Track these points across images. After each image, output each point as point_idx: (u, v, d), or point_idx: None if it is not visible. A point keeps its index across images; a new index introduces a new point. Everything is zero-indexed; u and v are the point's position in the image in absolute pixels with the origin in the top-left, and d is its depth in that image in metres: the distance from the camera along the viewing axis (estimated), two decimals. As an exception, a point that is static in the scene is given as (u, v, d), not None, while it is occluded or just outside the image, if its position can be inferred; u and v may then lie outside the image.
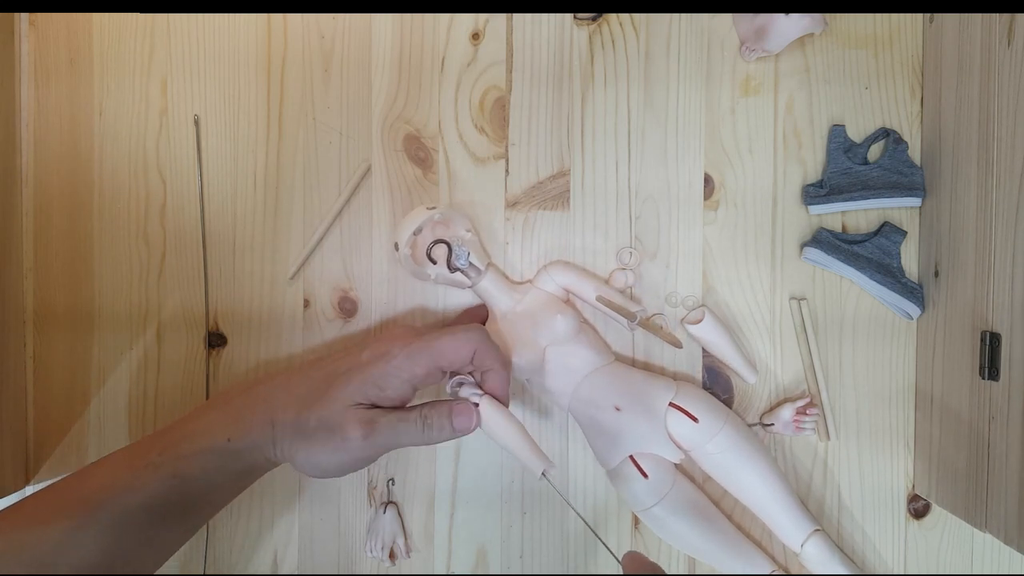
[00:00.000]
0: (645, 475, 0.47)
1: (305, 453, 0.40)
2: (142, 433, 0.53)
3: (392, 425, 0.40)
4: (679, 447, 0.48)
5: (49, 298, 0.53)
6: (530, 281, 0.52)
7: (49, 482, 0.52)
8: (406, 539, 0.53)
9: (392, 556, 0.53)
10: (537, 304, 0.49)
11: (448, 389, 0.45)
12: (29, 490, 0.52)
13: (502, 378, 0.43)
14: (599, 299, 0.49)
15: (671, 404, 0.48)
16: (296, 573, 0.53)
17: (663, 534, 0.49)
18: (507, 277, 0.52)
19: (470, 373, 0.44)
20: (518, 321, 0.49)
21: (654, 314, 0.52)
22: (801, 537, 0.48)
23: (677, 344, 0.52)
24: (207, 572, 0.53)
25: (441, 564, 0.54)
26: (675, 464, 0.49)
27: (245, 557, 0.53)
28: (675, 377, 0.52)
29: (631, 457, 0.48)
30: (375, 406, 0.40)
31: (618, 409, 0.48)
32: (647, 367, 0.53)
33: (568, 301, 0.51)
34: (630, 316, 0.49)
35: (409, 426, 0.40)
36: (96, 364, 0.53)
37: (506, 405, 0.43)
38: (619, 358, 0.52)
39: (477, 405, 0.43)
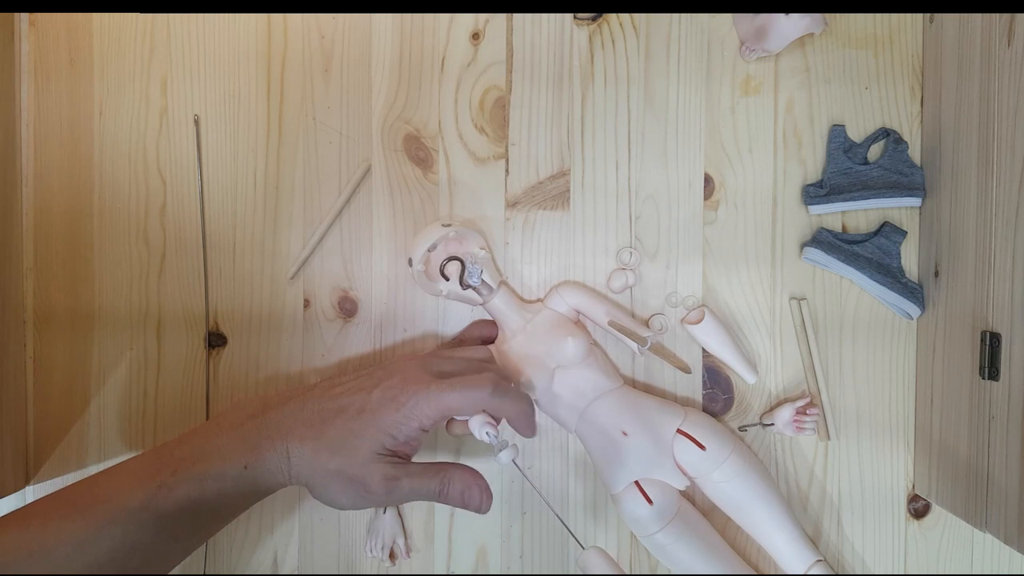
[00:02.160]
0: (650, 501, 0.47)
1: (322, 488, 0.41)
2: (142, 433, 0.53)
3: (413, 485, 0.41)
4: (685, 474, 0.48)
5: (49, 298, 0.53)
6: (540, 300, 0.52)
7: (49, 482, 0.52)
8: (406, 539, 0.53)
9: (392, 556, 0.53)
10: (547, 325, 0.49)
11: (472, 429, 0.43)
12: (29, 490, 0.52)
13: (519, 421, 0.43)
14: (611, 324, 0.49)
15: (679, 431, 0.48)
16: (296, 573, 0.53)
17: (665, 560, 0.49)
18: (519, 296, 0.52)
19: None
20: (528, 341, 0.49)
21: (654, 314, 0.52)
22: (803, 567, 0.48)
23: (686, 369, 0.52)
24: (207, 572, 0.53)
25: (441, 564, 0.54)
26: (680, 491, 0.49)
27: (245, 557, 0.53)
28: (677, 399, 0.52)
29: (636, 483, 0.48)
30: (393, 452, 0.41)
31: (625, 434, 0.48)
32: (648, 389, 0.53)
33: (578, 322, 0.51)
34: (641, 341, 0.49)
35: (427, 490, 0.41)
36: (96, 364, 0.53)
37: (531, 435, 0.44)
38: (622, 377, 0.51)
39: (504, 462, 0.42)
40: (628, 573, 0.42)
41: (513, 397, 0.42)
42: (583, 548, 0.43)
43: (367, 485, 0.40)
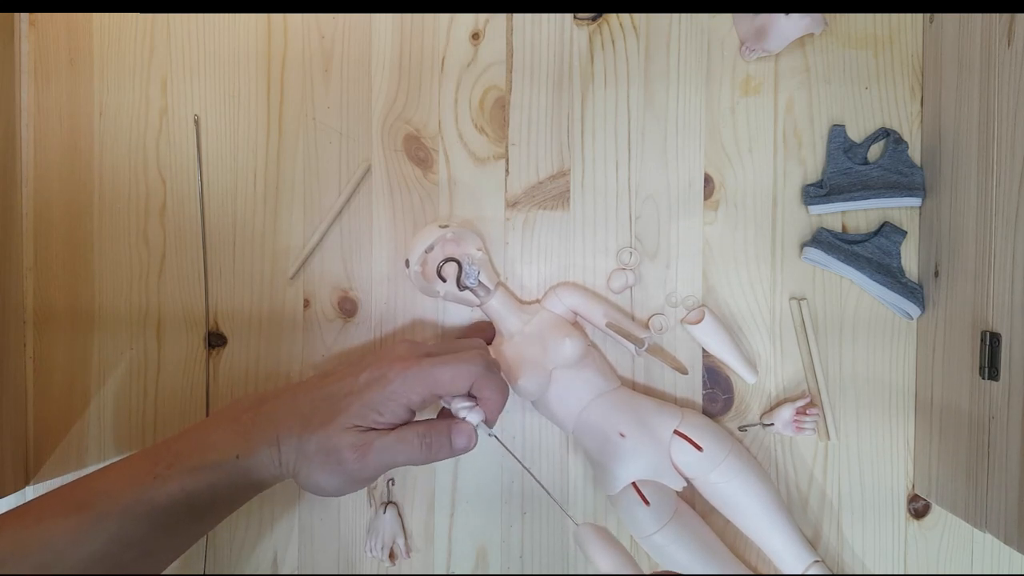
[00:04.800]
0: (647, 502, 0.47)
1: (306, 473, 0.41)
2: (142, 433, 0.53)
3: (388, 446, 0.40)
4: (682, 475, 0.48)
5: (49, 298, 0.53)
6: (538, 301, 0.52)
7: (49, 482, 0.53)
8: (406, 539, 0.53)
9: (392, 556, 0.53)
10: (545, 326, 0.49)
11: (441, 401, 0.44)
12: (29, 490, 0.52)
13: (495, 405, 0.42)
14: (609, 325, 0.49)
15: (676, 432, 0.48)
16: (296, 573, 0.53)
17: (663, 561, 0.49)
18: (516, 297, 0.52)
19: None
20: (525, 343, 0.49)
21: (654, 314, 0.52)
22: (801, 567, 0.49)
23: (683, 371, 0.52)
24: (207, 572, 0.53)
25: (441, 564, 0.54)
26: (678, 493, 0.49)
27: (245, 557, 0.53)
28: (677, 400, 0.52)
29: (634, 484, 0.48)
30: (372, 429, 0.41)
31: (623, 435, 0.48)
32: (648, 390, 0.53)
33: (576, 323, 0.51)
34: (638, 342, 0.49)
35: (407, 446, 0.41)
36: (96, 364, 0.53)
37: (491, 426, 0.43)
38: (620, 379, 0.51)
39: (474, 423, 0.42)
40: (626, 548, 0.41)
41: (500, 379, 0.42)
42: (576, 524, 0.42)
43: (339, 456, 0.40)
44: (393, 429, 0.41)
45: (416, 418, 0.42)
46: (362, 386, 0.41)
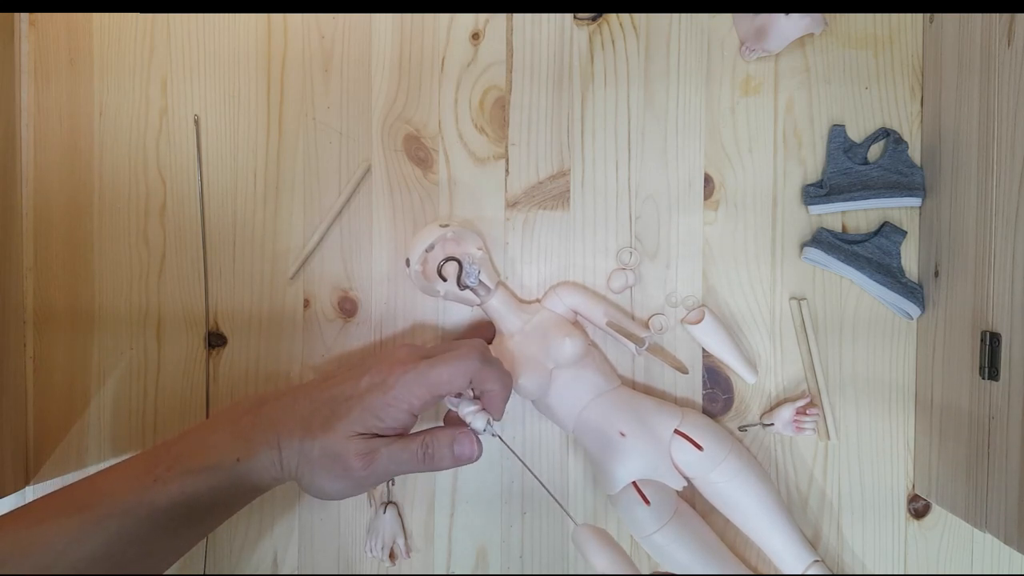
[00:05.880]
0: (647, 502, 0.47)
1: (309, 477, 0.41)
2: (142, 433, 0.53)
3: (393, 455, 0.40)
4: (682, 475, 0.48)
5: (49, 298, 0.53)
6: (538, 301, 0.52)
7: (49, 482, 0.53)
8: (406, 539, 0.53)
9: (392, 556, 0.53)
10: (545, 325, 0.49)
11: (446, 403, 0.44)
12: (29, 490, 0.52)
13: (498, 397, 0.42)
14: (609, 324, 0.49)
15: (676, 431, 0.48)
16: (296, 573, 0.53)
17: (663, 561, 0.49)
18: (516, 297, 0.52)
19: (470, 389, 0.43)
20: (525, 342, 0.49)
21: (654, 314, 0.52)
22: (801, 567, 0.49)
23: (683, 370, 0.52)
24: (207, 572, 0.53)
25: (441, 564, 0.54)
26: (677, 492, 0.49)
27: (245, 557, 0.53)
28: (677, 399, 0.52)
29: (634, 483, 0.48)
30: (376, 435, 0.41)
31: (623, 435, 0.48)
32: (648, 389, 0.53)
33: (576, 323, 0.51)
34: (639, 342, 0.49)
35: (410, 455, 0.41)
36: (96, 364, 0.53)
37: (498, 419, 0.43)
38: (620, 379, 0.51)
39: (479, 430, 0.42)
40: (625, 550, 0.41)
41: (500, 368, 0.42)
42: (576, 524, 0.42)
43: (346, 463, 0.40)
44: (399, 436, 0.41)
45: (419, 420, 0.42)
46: (363, 391, 0.41)
